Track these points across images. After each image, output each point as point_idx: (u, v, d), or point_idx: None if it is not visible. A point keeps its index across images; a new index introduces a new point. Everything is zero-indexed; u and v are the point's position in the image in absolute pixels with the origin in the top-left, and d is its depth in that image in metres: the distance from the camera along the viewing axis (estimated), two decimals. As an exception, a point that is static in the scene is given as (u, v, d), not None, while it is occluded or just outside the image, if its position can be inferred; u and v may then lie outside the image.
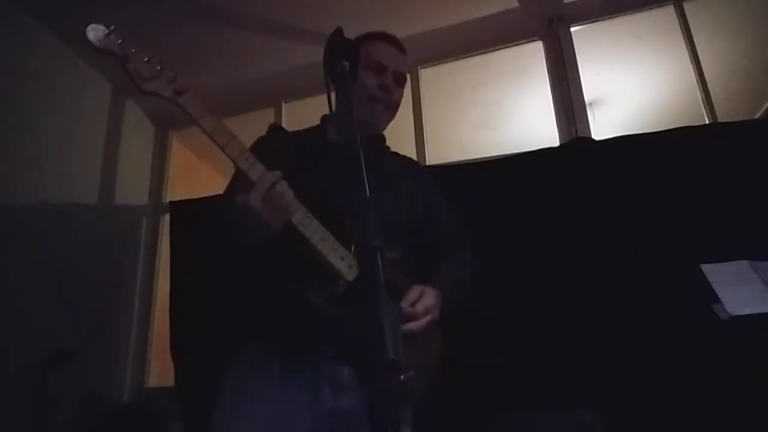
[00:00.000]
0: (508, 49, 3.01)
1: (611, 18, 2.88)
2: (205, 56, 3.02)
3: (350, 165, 0.92)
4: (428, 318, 1.14)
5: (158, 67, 1.05)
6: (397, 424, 0.71)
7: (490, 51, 3.03)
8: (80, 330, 2.58)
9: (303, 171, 1.20)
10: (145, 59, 1.03)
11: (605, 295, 2.04)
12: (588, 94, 2.81)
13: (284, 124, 3.24)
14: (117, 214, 3.09)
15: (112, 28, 1.01)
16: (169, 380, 2.63)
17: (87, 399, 2.56)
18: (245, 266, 1.21)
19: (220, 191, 1.30)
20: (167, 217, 3.04)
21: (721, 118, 2.55)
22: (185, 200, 2.93)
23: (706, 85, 2.64)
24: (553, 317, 2.08)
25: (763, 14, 2.93)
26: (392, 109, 1.38)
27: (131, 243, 3.16)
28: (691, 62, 2.70)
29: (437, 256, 1.36)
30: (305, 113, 3.17)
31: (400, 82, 1.38)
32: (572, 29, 2.89)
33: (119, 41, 1.01)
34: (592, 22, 2.89)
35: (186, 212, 2.87)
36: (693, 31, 2.73)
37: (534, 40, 2.96)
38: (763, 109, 3.28)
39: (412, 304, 1.14)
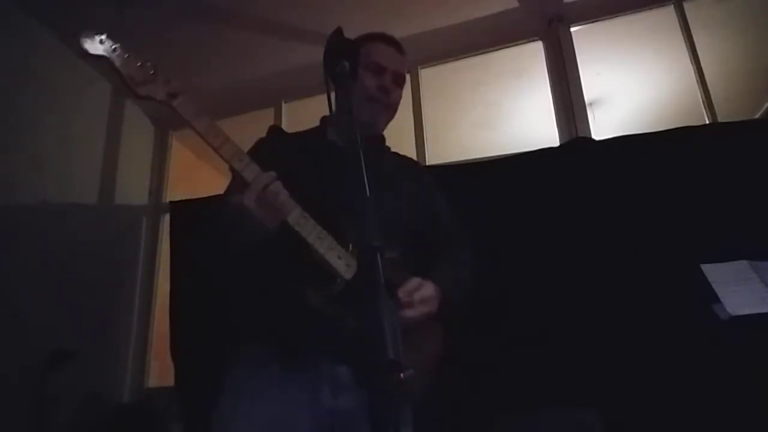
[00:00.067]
0: (508, 49, 3.01)
1: (611, 18, 2.88)
2: (205, 56, 3.02)
3: (350, 165, 0.92)
4: (424, 308, 1.14)
5: (152, 72, 1.06)
6: (397, 424, 0.71)
7: (490, 51, 3.03)
8: (80, 330, 2.58)
9: (303, 172, 1.20)
10: (139, 64, 1.05)
11: (605, 295, 2.04)
12: (588, 94, 2.81)
13: (284, 124, 3.24)
14: (117, 214, 3.09)
15: (106, 34, 1.02)
16: (169, 380, 2.63)
17: (87, 399, 2.56)
18: (244, 266, 1.21)
19: (220, 191, 1.30)
20: (167, 217, 3.04)
21: (721, 118, 2.55)
22: (185, 200, 2.93)
23: (706, 85, 2.64)
24: (553, 317, 2.08)
25: (763, 14, 2.92)
26: (391, 109, 1.39)
27: (131, 243, 3.16)
28: (691, 62, 2.70)
29: (437, 256, 1.36)
30: (305, 113, 3.17)
31: (399, 83, 1.38)
32: (572, 29, 2.89)
33: (113, 47, 1.03)
34: (592, 22, 2.89)
35: (186, 212, 2.87)
36: (693, 31, 2.73)
37: (534, 40, 2.96)
38: (763, 109, 3.28)
39: (410, 294, 1.14)
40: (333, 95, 1.06)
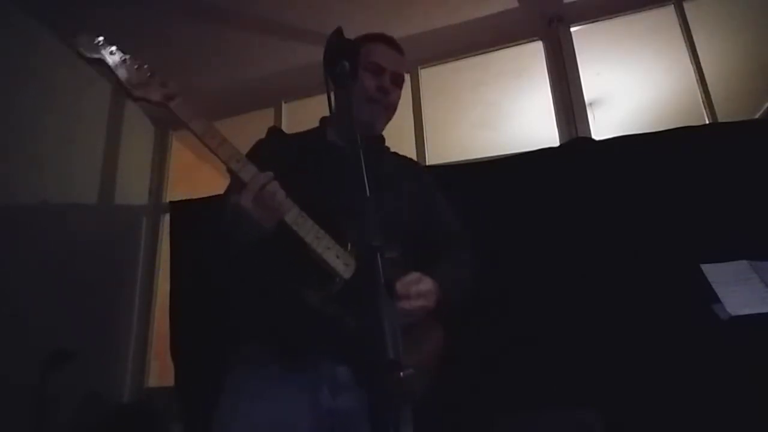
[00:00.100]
0: (508, 49, 3.01)
1: (611, 18, 2.88)
2: (205, 56, 3.02)
3: (350, 165, 0.92)
4: (421, 302, 1.14)
5: (149, 74, 1.07)
6: (397, 424, 0.71)
7: (490, 51, 3.03)
8: (80, 330, 2.58)
9: (302, 173, 1.20)
10: (136, 66, 1.06)
11: (605, 295, 2.04)
12: (588, 94, 2.81)
13: (284, 124, 3.24)
14: (117, 214, 3.09)
15: (103, 37, 1.04)
16: (169, 380, 2.63)
17: (87, 399, 2.56)
18: (244, 266, 1.21)
19: (220, 191, 1.30)
20: (167, 217, 3.04)
21: (721, 118, 2.55)
22: (185, 200, 2.93)
23: (706, 85, 2.64)
24: (553, 317, 2.08)
25: (763, 14, 2.92)
26: (390, 109, 1.39)
27: (131, 243, 3.16)
28: (691, 62, 2.70)
29: (437, 256, 1.36)
30: (305, 113, 3.17)
31: (398, 83, 1.39)
32: (572, 29, 2.89)
33: (110, 49, 1.04)
34: (592, 22, 2.90)
35: (186, 212, 2.87)
36: (693, 31, 2.73)
37: (534, 40, 2.96)
38: (763, 109, 3.28)
39: (407, 286, 1.14)
40: (333, 96, 1.06)
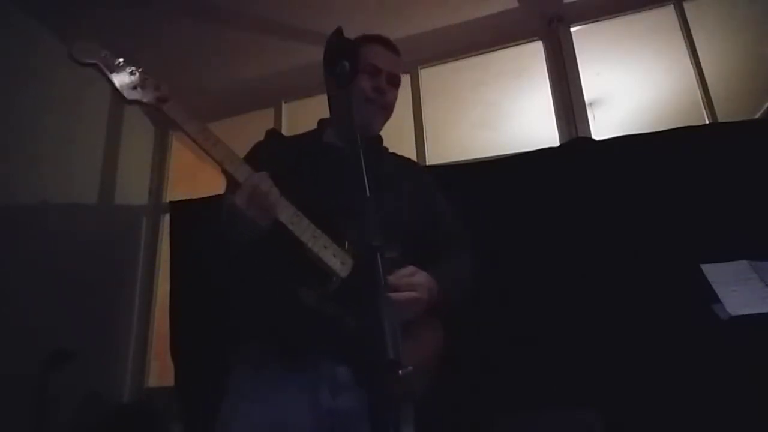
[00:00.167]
0: (508, 49, 3.01)
1: (611, 18, 2.87)
2: (205, 56, 3.02)
3: (350, 165, 0.92)
4: (412, 293, 1.13)
5: (143, 77, 1.09)
6: (397, 423, 0.71)
7: (490, 51, 3.03)
8: (80, 330, 2.58)
9: (300, 174, 1.21)
10: (130, 70, 1.08)
11: (605, 295, 2.04)
12: (588, 94, 2.81)
13: (284, 124, 3.24)
14: (117, 214, 3.09)
15: (97, 42, 1.06)
16: (169, 380, 2.63)
17: (87, 399, 2.56)
18: (243, 266, 1.22)
19: (220, 191, 1.30)
20: (167, 217, 3.04)
21: (721, 118, 2.55)
22: (185, 200, 2.93)
23: (706, 85, 2.64)
24: (553, 317, 2.08)
25: (763, 14, 2.92)
26: (387, 110, 1.40)
27: (131, 243, 3.16)
28: (691, 62, 2.70)
29: (437, 256, 1.36)
30: (305, 113, 3.17)
31: (394, 84, 1.40)
32: (572, 29, 2.89)
33: (104, 54, 1.06)
34: (592, 22, 2.89)
35: (186, 212, 2.87)
36: (693, 31, 2.73)
37: (534, 40, 2.96)
38: (763, 109, 3.27)
39: (399, 278, 1.13)
40: (331, 97, 1.06)
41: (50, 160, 2.68)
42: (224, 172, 1.09)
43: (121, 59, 1.07)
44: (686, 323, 1.82)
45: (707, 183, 2.14)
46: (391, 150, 1.50)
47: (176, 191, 3.33)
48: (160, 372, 2.94)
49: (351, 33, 1.12)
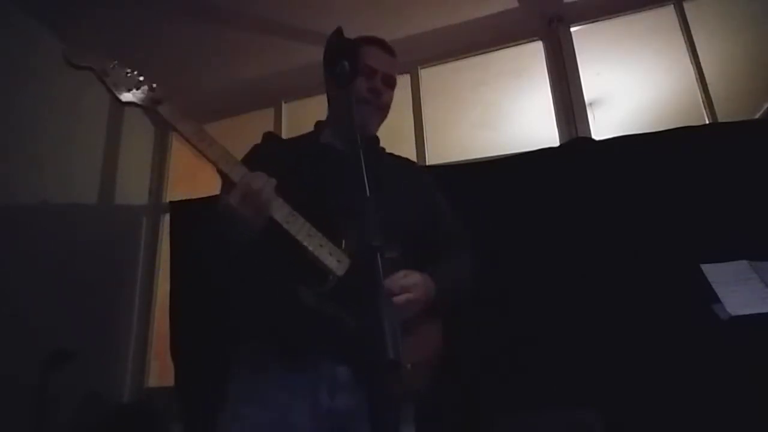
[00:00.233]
0: (508, 49, 3.01)
1: (611, 18, 2.87)
2: (205, 56, 3.02)
3: (349, 166, 0.92)
4: (408, 295, 1.13)
5: (137, 79, 1.11)
6: (397, 423, 0.71)
7: (490, 51, 3.03)
8: (80, 330, 2.58)
9: (298, 175, 1.21)
10: (125, 72, 1.10)
11: (605, 295, 2.04)
12: (588, 94, 2.80)
13: (284, 124, 3.24)
14: (117, 214, 3.09)
15: (91, 46, 1.09)
16: (169, 380, 2.63)
17: (87, 399, 2.56)
18: (242, 266, 1.22)
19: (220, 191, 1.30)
20: (167, 217, 3.04)
21: (721, 118, 2.55)
22: (185, 200, 2.93)
23: (706, 85, 2.64)
24: (553, 317, 2.08)
25: (763, 14, 2.92)
26: (383, 111, 1.41)
27: (131, 243, 3.16)
28: (691, 62, 2.70)
29: (437, 256, 1.36)
30: (305, 113, 3.17)
31: (390, 85, 1.40)
32: (572, 29, 2.89)
33: (98, 57, 1.08)
34: (592, 22, 2.89)
35: (186, 212, 2.87)
36: (693, 31, 2.73)
37: (534, 40, 2.96)
38: (763, 109, 3.27)
39: (392, 283, 1.13)
40: (329, 98, 1.06)
41: (50, 160, 2.68)
42: (219, 172, 1.10)
43: (115, 62, 1.09)
44: (686, 323, 1.82)
45: (707, 183, 2.14)
46: (391, 150, 1.50)
47: (176, 191, 3.33)
48: (160, 372, 2.94)
49: (351, 33, 1.12)
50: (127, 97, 1.09)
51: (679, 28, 2.76)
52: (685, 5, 2.77)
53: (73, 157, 2.85)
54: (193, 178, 3.40)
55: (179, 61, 2.97)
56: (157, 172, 3.39)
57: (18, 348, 2.23)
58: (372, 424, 0.79)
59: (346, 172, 0.96)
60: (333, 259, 1.11)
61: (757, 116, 3.21)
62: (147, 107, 1.10)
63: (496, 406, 1.95)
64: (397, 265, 1.19)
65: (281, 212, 1.09)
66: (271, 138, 1.44)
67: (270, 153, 1.32)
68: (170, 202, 3.04)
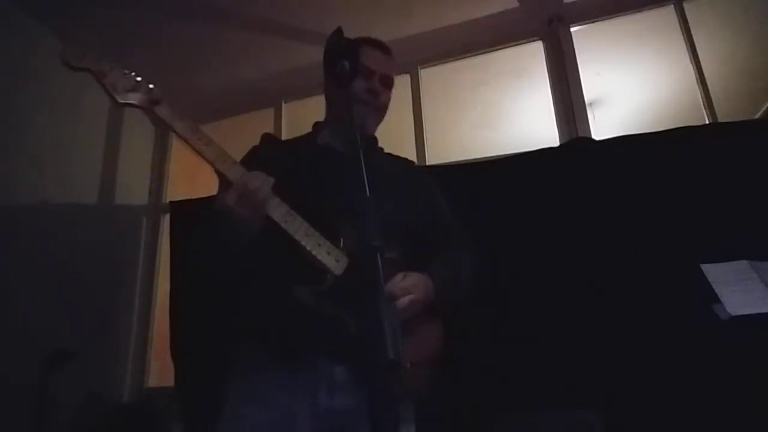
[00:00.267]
0: (508, 49, 3.01)
1: (611, 18, 2.87)
2: (205, 56, 3.02)
3: (349, 166, 0.92)
4: (410, 296, 1.13)
5: (135, 80, 1.11)
6: (397, 423, 0.71)
7: (490, 51, 3.03)
8: (80, 330, 2.58)
9: (297, 176, 1.22)
10: (122, 73, 1.10)
11: (605, 295, 2.04)
12: (588, 94, 2.80)
13: (284, 124, 3.24)
14: (117, 214, 3.09)
15: (88, 48, 1.09)
16: (169, 380, 2.63)
17: (87, 399, 2.56)
18: (241, 266, 1.22)
19: (220, 191, 1.30)
20: (167, 217, 3.04)
21: (721, 118, 2.55)
22: (185, 200, 2.93)
23: (706, 85, 2.64)
24: (553, 317, 2.08)
25: (763, 14, 2.92)
26: (380, 111, 1.41)
27: (131, 243, 3.16)
28: (691, 62, 2.70)
29: (437, 256, 1.36)
30: (305, 113, 3.17)
31: (388, 85, 1.41)
32: (572, 29, 2.89)
33: (96, 59, 1.09)
34: (592, 22, 2.89)
35: (186, 212, 2.87)
36: (693, 31, 2.73)
37: (534, 40, 2.96)
38: (763, 109, 3.27)
39: (392, 287, 1.13)
40: (326, 99, 1.07)
41: (50, 160, 2.68)
42: (217, 172, 1.10)
43: (113, 62, 1.09)
44: (686, 323, 1.82)
45: (707, 183, 2.14)
46: (392, 150, 1.51)
47: (176, 191, 3.33)
48: (160, 372, 2.94)
49: (351, 33, 1.12)
50: (124, 98, 1.09)
51: (679, 28, 2.76)
52: (685, 5, 2.77)
53: (73, 157, 2.85)
54: (193, 178, 3.40)
55: (179, 61, 2.97)
56: (157, 172, 3.39)
57: (18, 348, 2.23)
58: (372, 424, 0.79)
59: (346, 172, 0.96)
60: (331, 258, 1.11)
61: (757, 116, 3.21)
62: (145, 108, 1.10)
63: (496, 406, 1.95)
64: (397, 265, 1.19)
65: (279, 211, 1.09)
66: (269, 139, 1.44)
67: (268, 154, 1.33)
68: (170, 202, 3.04)
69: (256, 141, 1.41)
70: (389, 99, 1.42)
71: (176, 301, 2.69)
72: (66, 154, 2.79)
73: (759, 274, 1.56)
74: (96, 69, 1.08)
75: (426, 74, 3.09)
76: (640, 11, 2.82)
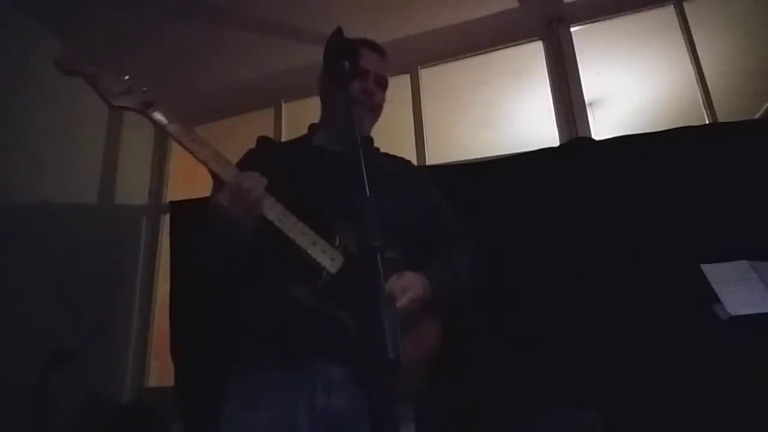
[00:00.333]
0: (508, 49, 3.01)
1: (611, 18, 2.88)
2: (205, 56, 3.02)
3: (348, 166, 0.92)
4: (409, 295, 1.14)
5: (128, 83, 1.12)
6: (397, 423, 0.71)
7: (490, 51, 3.03)
8: (80, 330, 2.58)
9: (294, 178, 1.22)
10: (117, 76, 1.11)
11: (605, 295, 2.04)
12: (588, 94, 2.80)
13: (284, 124, 3.24)
14: (117, 214, 3.09)
15: (83, 52, 1.11)
16: (169, 380, 2.63)
17: (87, 399, 2.56)
18: (241, 266, 1.22)
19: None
20: (167, 217, 3.04)
21: (721, 118, 2.55)
22: (185, 200, 2.93)
23: (706, 85, 2.64)
24: (553, 317, 2.08)
25: (763, 14, 2.92)
26: (375, 111, 1.42)
27: (131, 243, 3.16)
28: (691, 62, 2.70)
29: (437, 256, 1.36)
30: (305, 113, 3.16)
31: (382, 85, 1.42)
32: (572, 29, 2.89)
33: (89, 62, 1.10)
34: (592, 22, 2.89)
35: (186, 212, 2.86)
36: (693, 31, 2.73)
37: (534, 40, 2.96)
38: (763, 109, 3.27)
39: (391, 287, 1.13)
40: (322, 102, 1.07)
41: (50, 160, 2.68)
42: (211, 172, 1.10)
43: (106, 66, 1.10)
44: (686, 323, 1.81)
45: (707, 183, 2.14)
46: (391, 150, 1.51)
47: (176, 191, 3.33)
48: (160, 372, 2.94)
49: (351, 33, 1.12)
50: (118, 101, 1.10)
51: (679, 28, 2.76)
52: (685, 5, 2.77)
53: (73, 157, 2.84)
54: (193, 178, 3.40)
55: (179, 61, 2.97)
56: (157, 172, 3.39)
57: (18, 348, 2.23)
58: (371, 424, 0.79)
59: (344, 172, 0.96)
60: (326, 257, 1.12)
61: (757, 116, 3.21)
62: (138, 111, 1.10)
63: (496, 406, 1.95)
64: (397, 265, 1.19)
65: (273, 211, 1.10)
66: (265, 142, 1.45)
67: (264, 157, 1.33)
68: (170, 202, 3.03)
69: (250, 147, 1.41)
70: (384, 99, 1.43)
71: (176, 301, 2.69)
72: (66, 154, 2.79)
73: (759, 274, 1.56)
74: (89, 73, 1.08)
75: (426, 74, 3.09)
76: (640, 11, 2.82)
